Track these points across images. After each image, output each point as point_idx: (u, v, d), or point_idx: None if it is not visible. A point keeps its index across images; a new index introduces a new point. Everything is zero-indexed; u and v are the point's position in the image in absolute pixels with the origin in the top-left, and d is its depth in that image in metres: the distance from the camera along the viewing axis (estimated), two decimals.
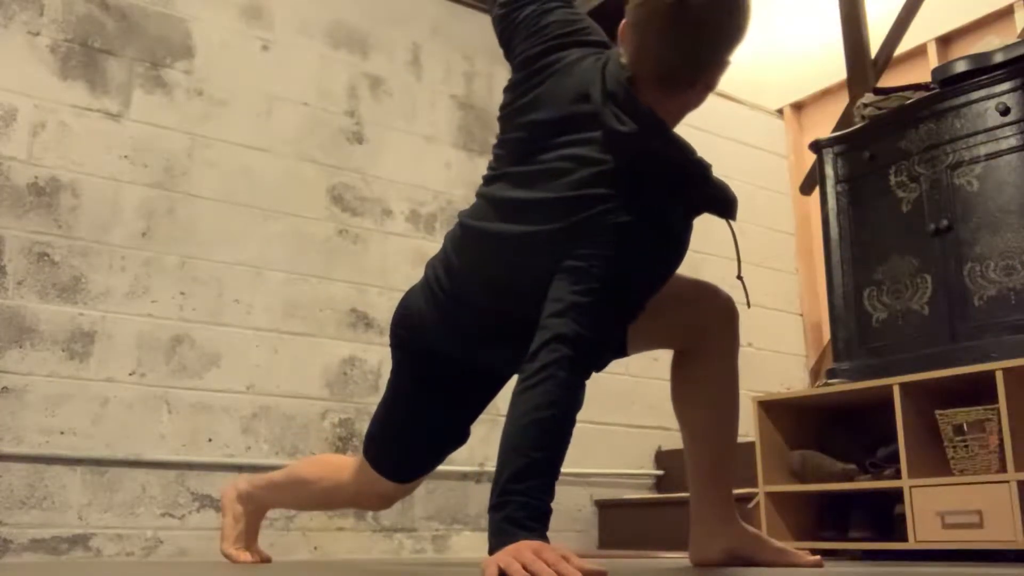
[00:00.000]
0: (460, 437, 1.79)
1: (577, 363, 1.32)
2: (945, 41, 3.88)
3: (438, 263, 1.65)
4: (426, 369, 1.71)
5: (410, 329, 1.71)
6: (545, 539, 1.22)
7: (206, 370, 2.89)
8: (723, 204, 1.49)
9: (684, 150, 1.45)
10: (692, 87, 1.45)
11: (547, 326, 1.35)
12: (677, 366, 1.72)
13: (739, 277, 1.63)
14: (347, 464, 1.93)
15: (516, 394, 1.32)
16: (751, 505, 2.83)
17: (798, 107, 4.59)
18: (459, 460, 3.08)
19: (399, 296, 1.78)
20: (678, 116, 1.49)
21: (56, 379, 2.65)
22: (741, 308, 1.71)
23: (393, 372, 1.80)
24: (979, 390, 2.36)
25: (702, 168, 1.46)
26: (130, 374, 2.77)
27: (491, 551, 1.23)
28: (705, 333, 1.66)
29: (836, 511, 2.71)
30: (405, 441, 1.79)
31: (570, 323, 1.33)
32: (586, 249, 1.39)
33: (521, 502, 1.23)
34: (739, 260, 1.61)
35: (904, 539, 2.37)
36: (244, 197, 3.08)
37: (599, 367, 1.44)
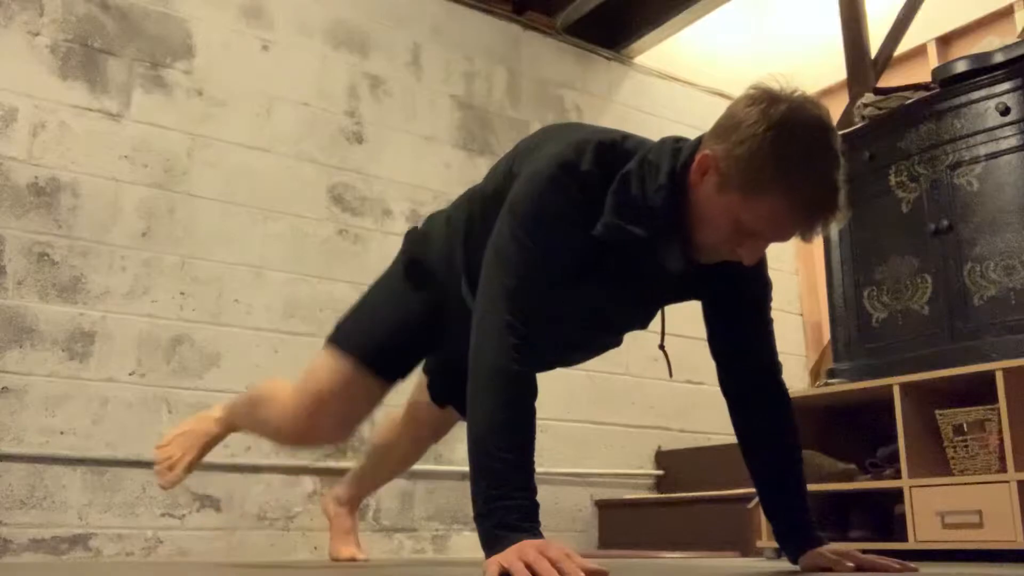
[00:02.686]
0: (437, 342, 1.75)
1: (521, 349, 1.30)
2: (945, 41, 3.88)
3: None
4: (426, 280, 1.70)
5: (421, 244, 1.73)
6: (542, 536, 1.22)
7: (206, 370, 2.89)
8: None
9: None
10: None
11: (478, 310, 1.35)
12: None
13: (661, 347, 1.64)
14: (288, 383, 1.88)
15: (471, 395, 1.30)
16: (751, 505, 2.83)
17: None
18: (458, 460, 3.09)
19: None
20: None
21: (56, 379, 2.65)
22: None
23: (398, 263, 1.77)
24: (979, 390, 2.35)
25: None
26: (130, 374, 2.77)
27: (487, 559, 1.21)
28: None
29: (836, 511, 2.71)
30: (384, 327, 1.72)
31: (505, 309, 1.32)
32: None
33: (509, 506, 1.22)
34: (663, 332, 1.63)
35: (904, 539, 2.37)
36: (244, 197, 3.07)
37: (544, 347, 1.44)
